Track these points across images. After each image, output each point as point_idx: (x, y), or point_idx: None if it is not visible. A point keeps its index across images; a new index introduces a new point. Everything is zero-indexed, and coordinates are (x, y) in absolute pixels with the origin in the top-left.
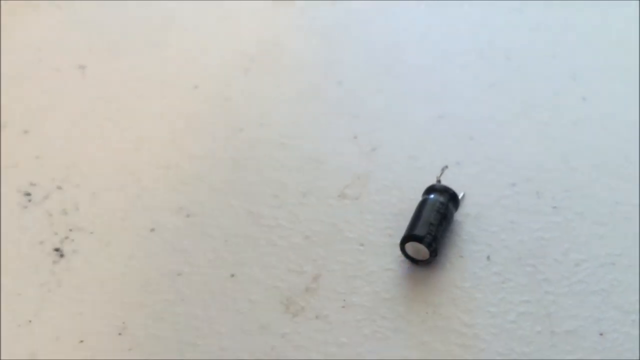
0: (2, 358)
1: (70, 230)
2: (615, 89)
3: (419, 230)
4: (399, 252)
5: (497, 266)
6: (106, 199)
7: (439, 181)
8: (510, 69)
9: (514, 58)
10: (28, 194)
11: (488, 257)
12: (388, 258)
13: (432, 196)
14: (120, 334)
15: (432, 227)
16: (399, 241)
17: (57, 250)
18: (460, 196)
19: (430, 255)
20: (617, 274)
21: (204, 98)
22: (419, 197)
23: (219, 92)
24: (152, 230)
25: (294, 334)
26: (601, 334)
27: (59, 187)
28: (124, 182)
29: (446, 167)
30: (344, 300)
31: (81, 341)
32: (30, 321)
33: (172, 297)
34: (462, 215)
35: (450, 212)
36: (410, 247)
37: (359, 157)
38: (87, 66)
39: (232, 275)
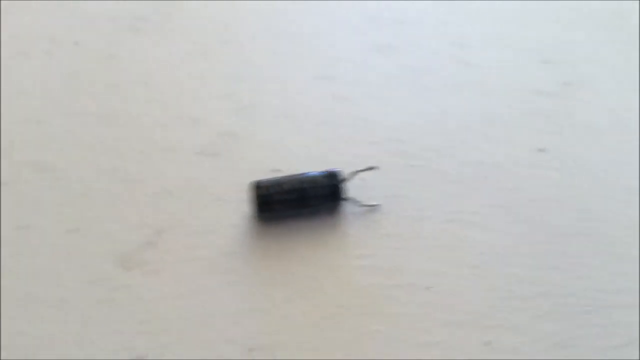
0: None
1: None
2: (498, 57)
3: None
4: (249, 208)
5: (345, 221)
6: None
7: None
8: (400, 35)
9: (405, 24)
10: None
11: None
12: (237, 213)
13: (317, 176)
14: None
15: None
16: (251, 198)
17: None
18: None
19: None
20: (458, 230)
21: (85, 55)
22: (284, 155)
23: (103, 50)
24: (5, 184)
25: (125, 287)
26: (429, 288)
27: None
28: None
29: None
30: (184, 254)
31: None
32: None
33: (11, 250)
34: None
35: (315, 200)
36: None
37: (231, 115)
38: None
39: (75, 230)
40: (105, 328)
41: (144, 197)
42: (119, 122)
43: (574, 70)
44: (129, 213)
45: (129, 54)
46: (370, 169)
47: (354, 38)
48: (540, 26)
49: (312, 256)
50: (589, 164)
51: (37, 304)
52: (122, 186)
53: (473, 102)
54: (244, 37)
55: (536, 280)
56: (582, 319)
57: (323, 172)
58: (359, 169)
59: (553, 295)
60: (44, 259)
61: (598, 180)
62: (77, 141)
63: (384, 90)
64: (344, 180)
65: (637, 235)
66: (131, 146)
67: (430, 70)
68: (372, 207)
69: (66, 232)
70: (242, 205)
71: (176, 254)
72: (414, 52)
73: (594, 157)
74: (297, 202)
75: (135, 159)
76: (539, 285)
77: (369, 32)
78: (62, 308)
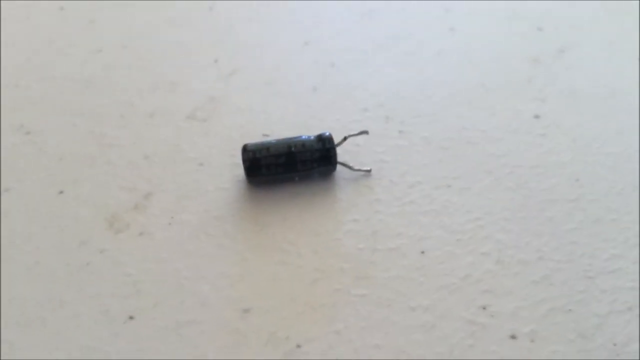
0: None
1: None
2: (483, 23)
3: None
4: (237, 173)
5: (334, 186)
6: None
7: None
8: (383, 0)
9: None
10: None
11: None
12: (225, 178)
13: (306, 140)
14: None
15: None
16: (239, 162)
17: None
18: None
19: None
20: (449, 196)
21: (68, 20)
22: (269, 120)
23: (85, 14)
24: None
25: (113, 250)
26: (422, 252)
27: None
28: None
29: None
30: (172, 217)
31: None
32: None
33: None
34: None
35: (305, 164)
36: None
37: (216, 80)
38: None
39: (61, 192)
40: (96, 289)
41: (131, 161)
42: (99, 86)
43: (569, 37)
44: (116, 176)
45: (109, 17)
46: (362, 133)
47: (337, 3)
48: None
49: (304, 220)
50: (583, 131)
51: (25, 266)
52: (109, 150)
53: (464, 69)
54: (226, 3)
55: (530, 246)
56: (581, 284)
57: (313, 136)
58: (350, 133)
59: (548, 260)
60: (31, 222)
61: (592, 146)
62: (54, 105)
63: (367, 56)
64: (334, 144)
65: (629, 204)
66: (110, 111)
67: (413, 35)
68: (364, 172)
69: (53, 195)
70: (234, 169)
71: (166, 216)
72: (397, 17)
73: (588, 123)
74: (286, 166)
75: (115, 123)
76: (533, 251)
77: None
78: (51, 270)
